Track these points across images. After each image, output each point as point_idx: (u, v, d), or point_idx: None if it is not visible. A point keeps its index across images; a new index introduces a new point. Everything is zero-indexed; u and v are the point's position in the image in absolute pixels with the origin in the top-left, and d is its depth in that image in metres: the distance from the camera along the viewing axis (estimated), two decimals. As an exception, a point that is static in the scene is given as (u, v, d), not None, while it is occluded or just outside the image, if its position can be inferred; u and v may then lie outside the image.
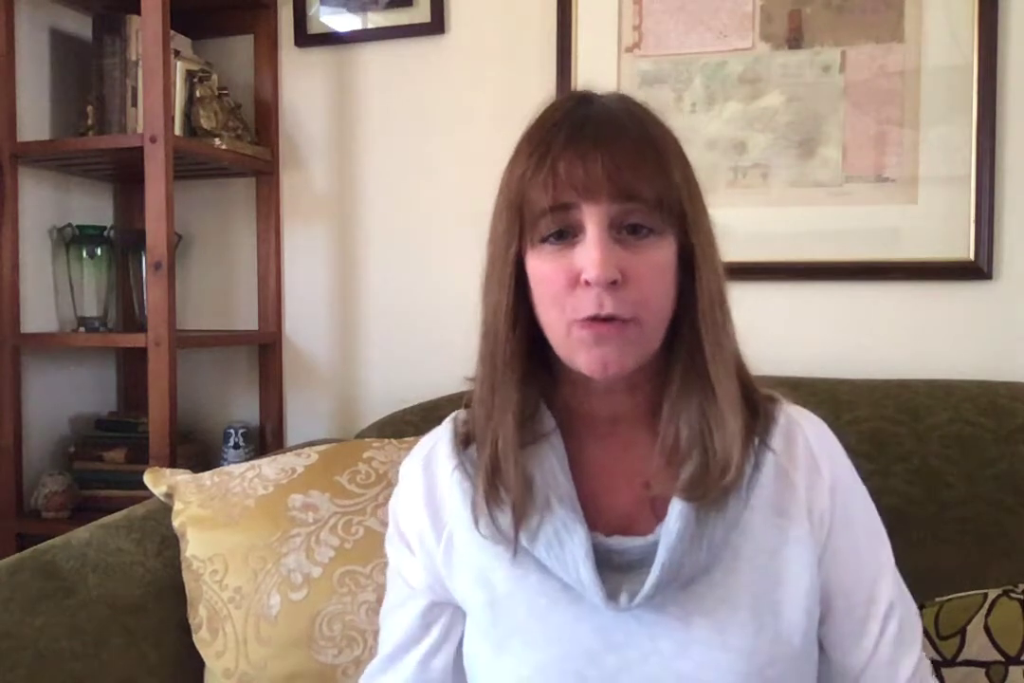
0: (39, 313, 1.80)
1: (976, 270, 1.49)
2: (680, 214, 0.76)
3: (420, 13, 1.76)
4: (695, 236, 0.77)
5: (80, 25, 1.84)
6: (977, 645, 0.86)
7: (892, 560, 0.84)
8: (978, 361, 1.49)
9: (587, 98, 0.80)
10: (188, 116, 1.72)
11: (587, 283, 0.73)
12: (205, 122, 1.72)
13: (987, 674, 0.99)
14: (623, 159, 0.74)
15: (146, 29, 1.55)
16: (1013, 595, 1.04)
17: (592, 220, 0.74)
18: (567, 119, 0.77)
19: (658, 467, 0.79)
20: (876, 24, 1.53)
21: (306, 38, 1.86)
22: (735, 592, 0.77)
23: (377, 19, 1.81)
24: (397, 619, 0.88)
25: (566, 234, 0.75)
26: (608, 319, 0.74)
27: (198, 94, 1.73)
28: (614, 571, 0.77)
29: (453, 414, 0.90)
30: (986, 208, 1.47)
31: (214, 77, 1.79)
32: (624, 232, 0.75)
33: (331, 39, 1.84)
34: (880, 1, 1.52)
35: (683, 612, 0.77)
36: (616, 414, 0.83)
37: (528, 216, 0.76)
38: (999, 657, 0.99)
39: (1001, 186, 1.48)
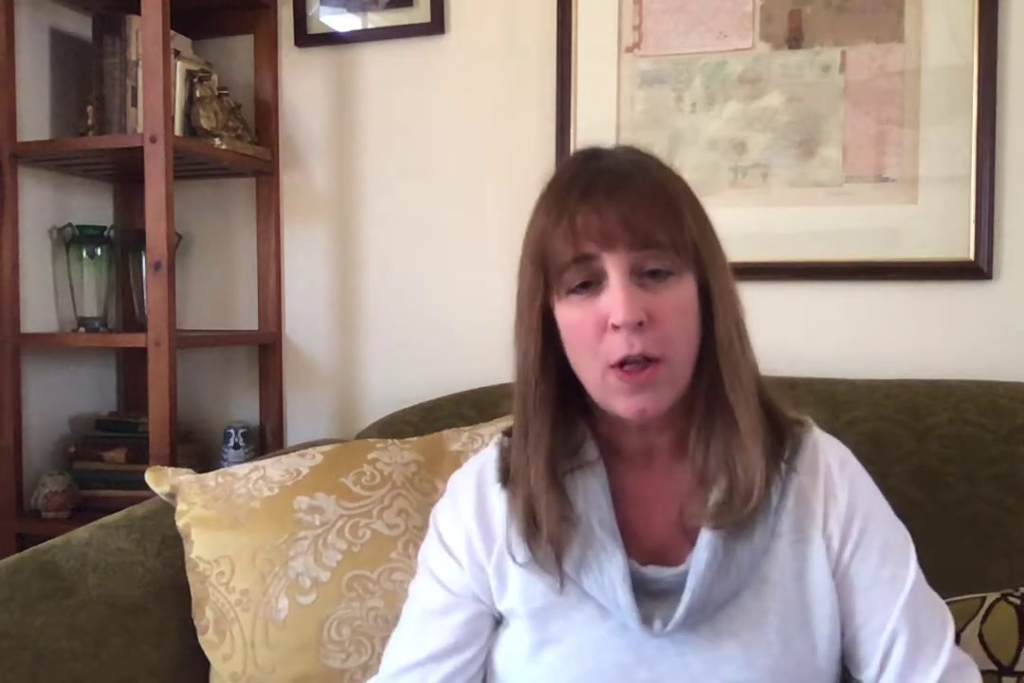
0: (39, 313, 1.80)
1: (976, 270, 1.49)
2: (696, 253, 0.81)
3: (420, 13, 1.76)
4: (711, 272, 0.82)
5: (80, 25, 1.84)
6: (971, 654, 0.87)
7: (915, 581, 0.83)
8: (978, 361, 1.49)
9: (596, 154, 0.86)
10: (188, 116, 1.72)
11: (615, 327, 0.78)
12: (205, 122, 1.72)
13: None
14: (635, 207, 0.78)
15: (146, 29, 1.55)
16: (1011, 599, 1.04)
17: (614, 267, 0.78)
18: (579, 175, 0.82)
19: (689, 497, 0.83)
20: (876, 24, 1.53)
21: (306, 38, 1.86)
22: (763, 615, 0.81)
23: (377, 19, 1.81)
24: (439, 625, 0.89)
25: (591, 284, 0.80)
26: (639, 361, 0.78)
27: (198, 94, 1.73)
28: (648, 597, 0.80)
29: (497, 438, 0.95)
30: (986, 208, 1.47)
31: (214, 77, 1.79)
32: (645, 277, 0.79)
33: (331, 39, 1.84)
34: (880, 1, 1.52)
35: (713, 632, 0.80)
36: (651, 448, 0.87)
37: (553, 269, 0.81)
38: (992, 666, 0.99)
39: (1001, 186, 1.48)
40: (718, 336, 0.82)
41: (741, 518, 0.80)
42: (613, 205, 0.78)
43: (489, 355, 1.65)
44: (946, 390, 1.35)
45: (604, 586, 0.81)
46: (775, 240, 1.59)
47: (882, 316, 1.56)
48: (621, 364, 0.79)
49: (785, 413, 0.87)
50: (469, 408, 1.55)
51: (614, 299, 0.78)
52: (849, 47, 1.54)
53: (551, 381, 0.85)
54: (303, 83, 1.88)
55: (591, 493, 0.84)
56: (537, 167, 1.67)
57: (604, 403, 0.83)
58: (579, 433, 0.87)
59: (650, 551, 0.84)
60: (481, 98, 1.75)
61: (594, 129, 1.65)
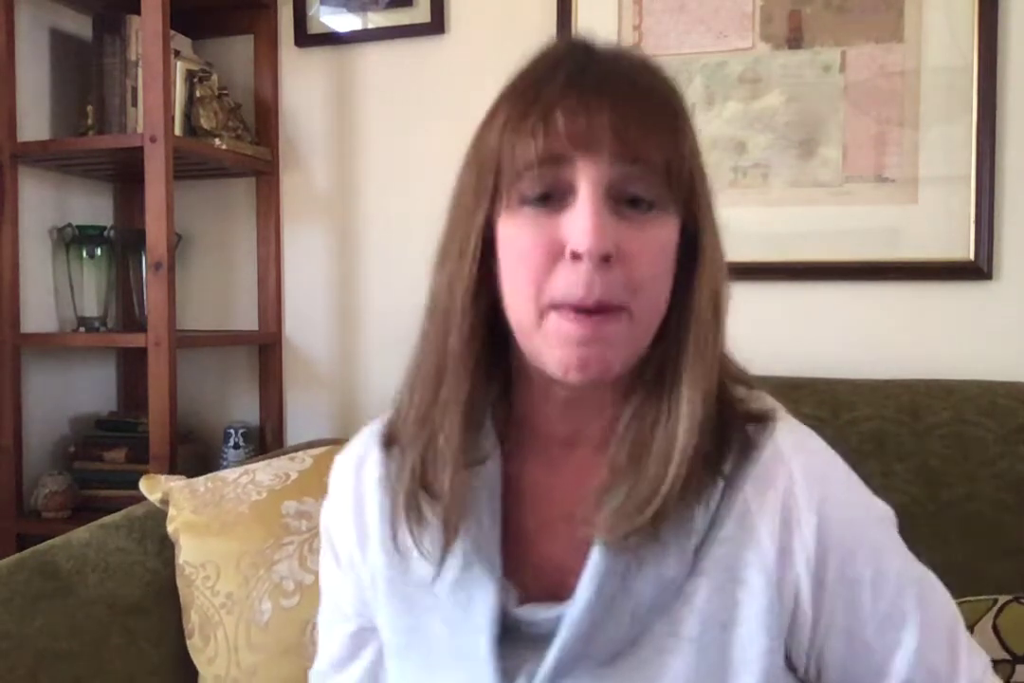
0: (39, 313, 1.80)
1: (976, 270, 1.49)
2: (688, 189, 0.64)
3: (420, 13, 1.76)
4: (702, 217, 0.65)
5: (80, 25, 1.84)
6: (984, 643, 0.87)
7: (924, 620, 0.65)
8: (978, 361, 1.49)
9: (587, 47, 0.66)
10: (188, 116, 1.72)
11: (575, 256, 0.60)
12: (205, 122, 1.72)
13: (993, 672, 1.00)
14: (633, 113, 0.61)
15: (146, 29, 1.55)
16: (1023, 601, 1.04)
17: (587, 179, 0.60)
18: (565, 63, 0.64)
19: (591, 501, 0.64)
20: (876, 24, 1.53)
21: (306, 38, 1.86)
22: (669, 675, 0.62)
23: (377, 19, 1.81)
24: (330, 636, 0.79)
25: (551, 197, 0.62)
26: (595, 310, 0.60)
27: (198, 94, 1.73)
28: (521, 643, 0.64)
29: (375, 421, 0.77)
30: (986, 208, 1.47)
31: (214, 77, 1.79)
32: (622, 204, 0.62)
33: (331, 39, 1.84)
34: (880, 1, 1.52)
35: None
36: (576, 434, 0.69)
37: (507, 172, 0.62)
38: (1006, 655, 1.00)
39: (1001, 186, 1.48)
40: (693, 300, 0.63)
41: (638, 533, 0.61)
42: (605, 103, 0.60)
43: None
44: (946, 390, 1.35)
45: (467, 626, 0.65)
46: (775, 240, 1.59)
47: (882, 316, 1.56)
48: (573, 308, 0.60)
49: (739, 405, 0.67)
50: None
51: (580, 220, 0.60)
52: (849, 47, 1.54)
53: (481, 319, 0.65)
54: (303, 83, 1.88)
55: (473, 502, 0.66)
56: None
57: (534, 354, 0.64)
58: (481, 405, 0.67)
59: (545, 575, 0.66)
60: (481, 98, 1.74)
61: (594, 129, 1.64)
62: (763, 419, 0.67)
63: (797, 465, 0.65)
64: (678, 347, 0.64)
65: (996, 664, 0.88)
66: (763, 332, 1.48)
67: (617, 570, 0.62)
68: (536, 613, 0.64)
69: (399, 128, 1.82)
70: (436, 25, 1.76)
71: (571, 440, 0.69)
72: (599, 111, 0.60)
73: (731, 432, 0.65)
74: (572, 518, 0.65)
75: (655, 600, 0.62)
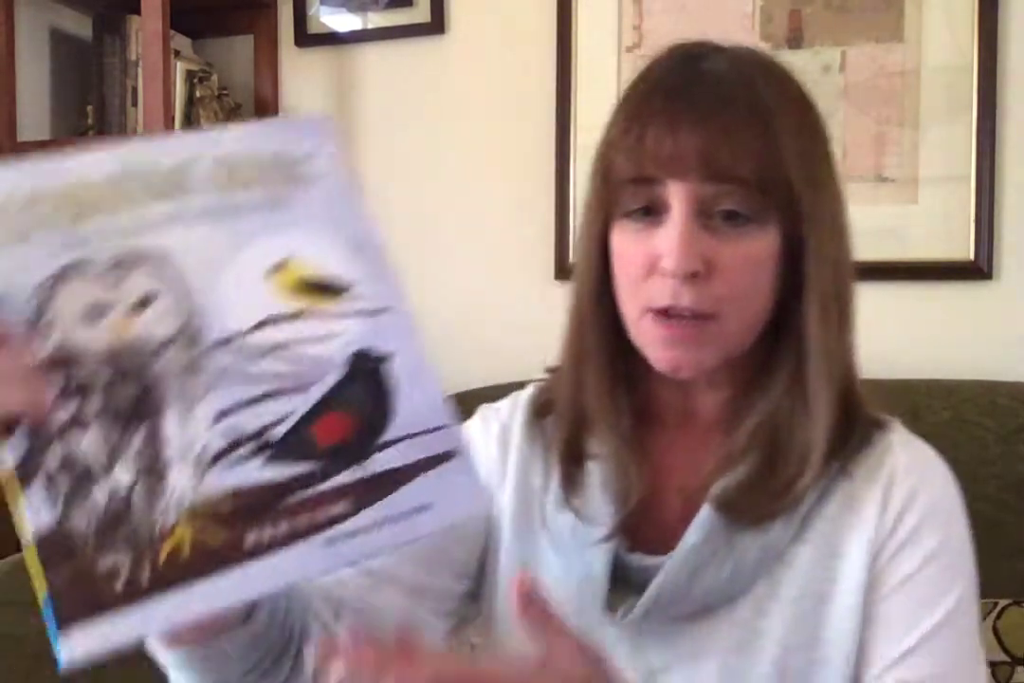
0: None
1: (976, 270, 1.49)
2: (789, 199, 0.65)
3: (420, 13, 1.76)
4: (808, 226, 0.66)
5: (80, 25, 1.84)
6: (984, 645, 0.88)
7: (944, 623, 0.65)
8: (978, 361, 1.49)
9: (696, 55, 0.69)
10: (188, 116, 1.72)
11: (664, 271, 0.64)
12: (205, 122, 1.72)
13: (993, 674, 1.00)
14: (722, 133, 0.63)
15: (146, 29, 1.55)
16: (1023, 604, 1.04)
17: (678, 199, 0.64)
18: (668, 77, 0.68)
19: (712, 473, 0.69)
20: (876, 24, 1.53)
21: (306, 38, 1.86)
22: (763, 639, 0.65)
23: (377, 19, 1.81)
24: None
25: (651, 211, 0.66)
26: (684, 316, 0.65)
27: (198, 94, 1.73)
28: (625, 588, 0.68)
29: (530, 386, 0.82)
30: (986, 208, 1.47)
31: (214, 77, 1.79)
32: (717, 218, 0.64)
33: (331, 39, 1.84)
34: (880, 1, 1.52)
35: (693, 649, 0.66)
36: (689, 410, 0.74)
37: (613, 185, 0.68)
38: (1006, 658, 1.00)
39: (1001, 186, 1.48)
40: (805, 305, 0.67)
41: (760, 509, 0.66)
42: (694, 124, 0.63)
43: (488, 355, 1.65)
44: (946, 390, 1.35)
45: (583, 560, 0.69)
46: (775, 240, 1.59)
47: (882, 316, 1.56)
48: (664, 312, 0.65)
49: (865, 411, 0.71)
50: (464, 409, 1.55)
51: (669, 239, 0.63)
52: (849, 47, 1.54)
53: (609, 319, 0.71)
54: (303, 83, 1.88)
55: (606, 454, 0.72)
56: (537, 167, 1.67)
57: (641, 348, 0.69)
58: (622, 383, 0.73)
59: (655, 530, 0.70)
60: (481, 98, 1.75)
61: (594, 129, 1.63)
62: (880, 423, 0.72)
63: (903, 458, 0.69)
64: (802, 346, 0.68)
65: (996, 666, 0.88)
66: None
67: (723, 526, 0.66)
68: (642, 560, 0.68)
69: (399, 128, 1.81)
70: (436, 25, 1.75)
71: (688, 414, 0.74)
72: (688, 133, 0.63)
73: (855, 427, 0.70)
74: (684, 490, 0.70)
75: (757, 561, 0.65)
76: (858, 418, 0.70)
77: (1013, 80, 1.47)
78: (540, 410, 0.78)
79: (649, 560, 0.68)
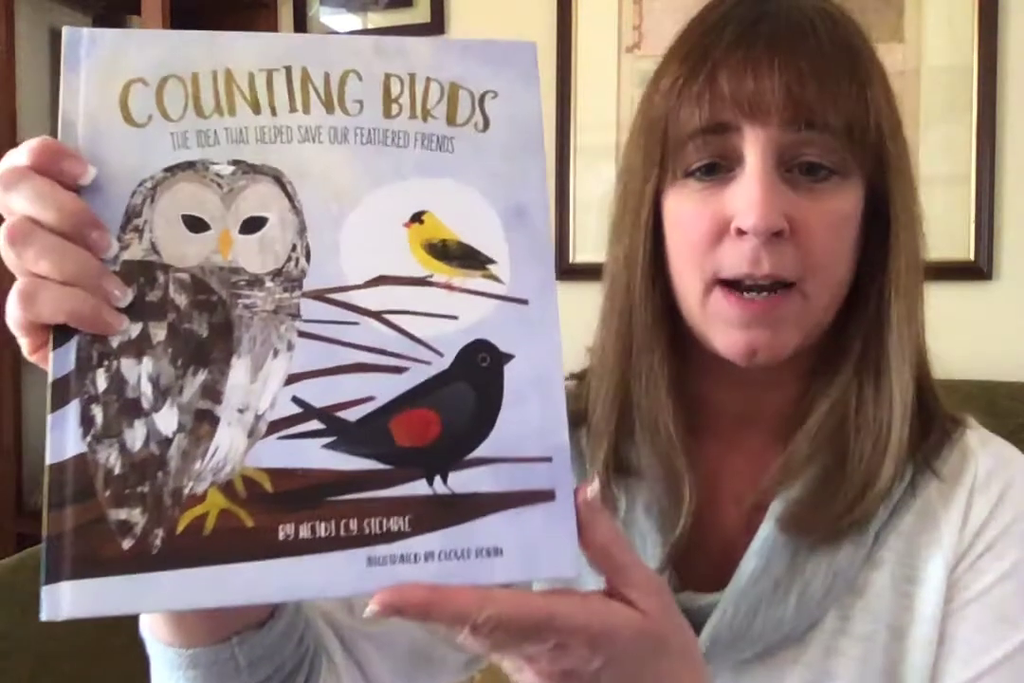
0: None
1: (976, 270, 1.49)
2: (876, 149, 0.57)
3: (420, 13, 1.76)
4: (893, 178, 0.58)
5: (80, 25, 1.84)
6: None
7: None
8: (978, 361, 1.49)
9: None
10: (188, 116, 1.72)
11: (740, 232, 0.55)
12: (205, 122, 1.72)
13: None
14: (807, 70, 0.54)
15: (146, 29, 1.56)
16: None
17: (755, 149, 0.55)
18: (736, 13, 0.58)
19: (772, 487, 0.59)
20: (876, 24, 1.53)
21: (306, 38, 1.86)
22: (835, 681, 0.57)
23: (377, 19, 1.81)
24: None
25: (718, 168, 0.57)
26: (763, 285, 0.55)
27: (198, 94, 1.73)
28: None
29: None
30: (986, 208, 1.47)
31: (214, 77, 1.80)
32: (796, 171, 0.56)
33: (331, 39, 1.84)
34: (880, 1, 1.52)
35: None
36: (749, 413, 0.63)
37: (672, 140, 0.57)
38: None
39: (1001, 186, 1.48)
40: (891, 270, 0.59)
41: (831, 525, 0.56)
42: (775, 62, 0.54)
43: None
44: (946, 390, 1.35)
45: None
46: (775, 240, 1.59)
47: (882, 316, 1.56)
48: (737, 284, 0.56)
49: (940, 402, 0.64)
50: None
51: (747, 194, 0.54)
52: (849, 47, 1.54)
53: (661, 295, 0.60)
54: (303, 83, 1.88)
55: (647, 459, 0.61)
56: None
57: (703, 334, 0.59)
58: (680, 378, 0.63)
59: (708, 558, 0.61)
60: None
61: (594, 129, 1.64)
62: (956, 419, 0.63)
63: (984, 465, 0.60)
64: (879, 323, 0.59)
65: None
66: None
67: (787, 549, 0.57)
68: (695, 600, 0.59)
69: (399, 128, 1.82)
70: (436, 25, 1.76)
71: (746, 418, 0.63)
72: (769, 71, 0.54)
73: (931, 421, 0.61)
74: (743, 500, 0.61)
75: (825, 590, 0.56)
76: (936, 410, 0.63)
77: (1013, 80, 1.47)
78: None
79: (703, 598, 0.59)
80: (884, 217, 0.58)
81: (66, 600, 0.38)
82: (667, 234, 0.59)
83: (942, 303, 1.53)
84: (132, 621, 0.50)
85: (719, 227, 0.56)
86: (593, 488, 0.41)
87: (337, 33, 1.83)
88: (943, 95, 1.49)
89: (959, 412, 0.65)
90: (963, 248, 1.49)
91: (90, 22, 1.74)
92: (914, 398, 0.60)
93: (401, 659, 0.60)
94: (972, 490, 0.59)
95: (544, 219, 0.43)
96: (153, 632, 0.52)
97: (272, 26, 1.87)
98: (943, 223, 1.50)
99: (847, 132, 0.55)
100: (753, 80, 0.54)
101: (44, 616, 0.37)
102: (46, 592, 0.38)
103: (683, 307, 0.60)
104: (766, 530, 0.57)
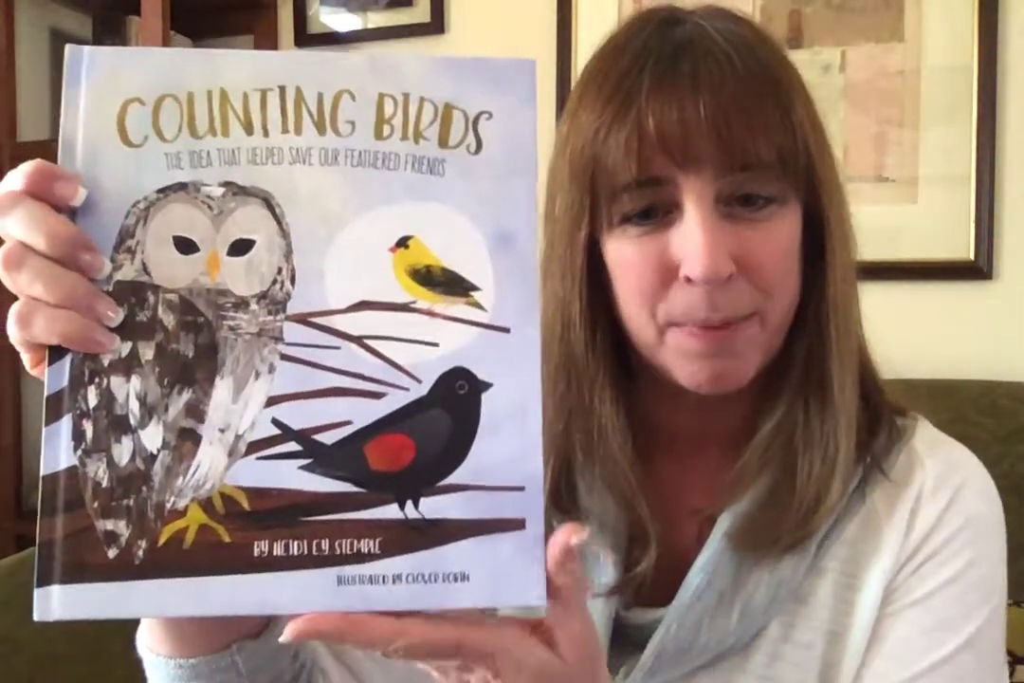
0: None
1: (976, 270, 1.49)
2: (808, 172, 0.57)
3: (420, 13, 1.76)
4: (826, 197, 0.58)
5: (80, 25, 1.84)
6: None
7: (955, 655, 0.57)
8: (978, 361, 1.49)
9: (673, 15, 0.59)
10: (188, 116, 1.72)
11: (689, 280, 0.54)
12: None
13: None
14: (733, 108, 0.53)
15: (146, 29, 1.55)
16: (1023, 604, 1.04)
17: (693, 197, 0.54)
18: (650, 46, 0.56)
19: (725, 502, 0.60)
20: (876, 24, 1.53)
21: (306, 38, 1.86)
22: None
23: (377, 19, 1.80)
24: None
25: (655, 212, 0.56)
26: (720, 326, 0.55)
27: (198, 94, 1.73)
28: (630, 644, 0.59)
29: None
30: (986, 208, 1.47)
31: (214, 77, 1.79)
32: (735, 204, 0.56)
33: (331, 39, 1.84)
34: (880, 1, 1.52)
35: None
36: (703, 432, 0.64)
37: (604, 189, 0.56)
38: (1007, 657, 1.00)
39: (1001, 186, 1.48)
40: (830, 286, 0.59)
41: (780, 541, 0.57)
42: (700, 101, 0.53)
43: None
44: (946, 390, 1.35)
45: None
46: (775, 240, 1.58)
47: (882, 316, 1.56)
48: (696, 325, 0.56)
49: (885, 393, 0.64)
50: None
51: (691, 242, 0.53)
52: (849, 47, 1.54)
53: (606, 340, 0.60)
54: (303, 83, 1.88)
55: (601, 498, 0.62)
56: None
57: (662, 369, 0.59)
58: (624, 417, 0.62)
59: (659, 576, 0.61)
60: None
61: (594, 129, 1.64)
62: (903, 413, 0.64)
63: (932, 470, 0.60)
64: (819, 338, 0.60)
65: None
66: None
67: (732, 563, 0.57)
68: (643, 616, 0.60)
69: (399, 128, 1.81)
70: (436, 25, 1.75)
71: (701, 437, 0.64)
72: (696, 116, 0.53)
73: (878, 420, 0.62)
74: (698, 514, 0.61)
75: (770, 599, 0.57)
76: (881, 407, 0.63)
77: (1013, 80, 1.47)
78: None
79: (651, 614, 0.59)
80: (818, 233, 0.59)
81: (56, 603, 0.40)
82: (613, 279, 0.58)
83: (942, 303, 1.55)
84: (131, 624, 0.51)
85: (666, 272, 0.56)
86: (580, 536, 0.41)
87: (337, 33, 1.83)
88: (943, 95, 1.49)
89: (909, 409, 0.65)
90: (963, 248, 1.49)
91: (90, 22, 1.74)
92: (860, 396, 0.60)
93: (400, 674, 0.60)
94: (919, 496, 0.59)
95: (531, 245, 0.43)
96: (152, 647, 0.52)
97: (272, 26, 1.87)
98: (943, 223, 1.50)
99: (780, 163, 0.55)
100: (680, 127, 0.53)
101: (36, 617, 0.40)
102: (38, 594, 0.40)
103: (636, 343, 0.59)
104: (713, 545, 0.58)
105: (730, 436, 0.63)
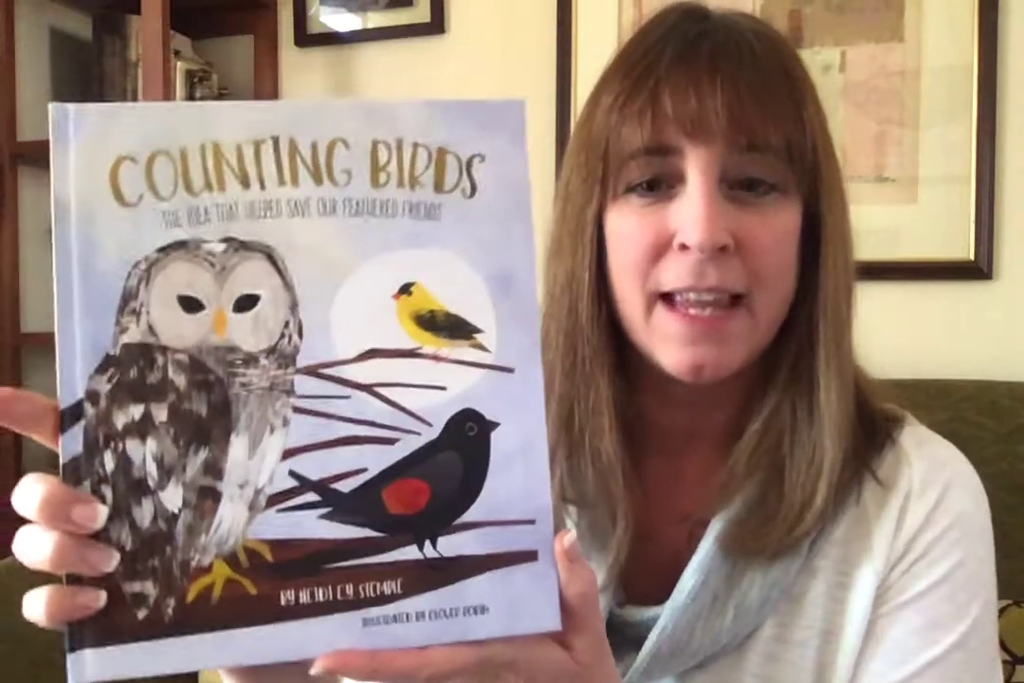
0: (39, 313, 1.79)
1: (976, 270, 1.49)
2: (812, 169, 0.58)
3: (420, 13, 1.76)
4: (827, 198, 0.59)
5: (80, 25, 1.84)
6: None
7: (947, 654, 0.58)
8: (978, 361, 1.49)
9: (700, 11, 0.61)
10: (188, 116, 1.72)
11: (684, 248, 0.55)
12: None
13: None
14: (747, 90, 0.55)
15: (146, 29, 1.55)
16: (1023, 604, 1.04)
17: (698, 169, 0.55)
18: (674, 34, 0.58)
19: (716, 505, 0.60)
20: (876, 24, 1.53)
21: (306, 38, 1.86)
22: None
23: (377, 19, 1.81)
24: None
25: (661, 185, 0.57)
26: (708, 300, 0.55)
27: (198, 94, 1.73)
28: (624, 645, 0.59)
29: None
30: (986, 208, 1.47)
31: (214, 77, 1.79)
32: (738, 188, 0.57)
33: (331, 39, 1.84)
34: (880, 1, 1.52)
35: None
36: (694, 430, 0.64)
37: (614, 158, 0.57)
38: (1006, 657, 1.00)
39: (1001, 186, 1.48)
40: (823, 290, 0.59)
41: (771, 543, 0.57)
42: (717, 80, 0.55)
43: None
44: (946, 390, 1.35)
45: None
46: (775, 240, 1.58)
47: (882, 316, 1.56)
48: (680, 298, 0.56)
49: (873, 400, 0.64)
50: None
51: (691, 210, 0.54)
52: (849, 47, 1.54)
53: (606, 319, 0.60)
54: (303, 83, 1.88)
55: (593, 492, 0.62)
56: (536, 167, 1.67)
57: (647, 352, 0.59)
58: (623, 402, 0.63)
59: (651, 576, 0.61)
60: (481, 98, 1.75)
61: (594, 129, 1.64)
62: (894, 419, 0.64)
63: (919, 471, 0.61)
64: (809, 343, 0.60)
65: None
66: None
67: (725, 564, 0.58)
68: (637, 614, 0.60)
69: (399, 128, 1.81)
70: (436, 25, 1.76)
71: (692, 436, 0.64)
72: (711, 90, 0.55)
73: (868, 423, 0.62)
74: (690, 515, 0.61)
75: (763, 600, 0.58)
76: (869, 407, 0.63)
77: (1013, 80, 1.47)
78: None
79: (645, 612, 0.60)
80: (816, 238, 0.59)
81: (89, 666, 0.40)
82: (609, 251, 0.59)
83: (942, 303, 1.55)
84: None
85: (661, 242, 0.56)
86: (569, 538, 0.42)
87: (337, 33, 1.83)
88: (943, 95, 1.49)
89: (900, 408, 0.66)
90: (963, 248, 1.49)
91: (90, 22, 1.74)
92: (849, 401, 0.60)
93: None
94: (908, 496, 0.60)
95: (531, 285, 0.43)
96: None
97: (272, 26, 1.87)
98: (943, 223, 1.50)
99: (787, 152, 0.56)
100: (696, 100, 0.55)
101: (71, 680, 0.40)
102: (71, 659, 0.40)
103: (627, 326, 0.60)
104: (705, 547, 0.59)
105: (722, 434, 0.63)
